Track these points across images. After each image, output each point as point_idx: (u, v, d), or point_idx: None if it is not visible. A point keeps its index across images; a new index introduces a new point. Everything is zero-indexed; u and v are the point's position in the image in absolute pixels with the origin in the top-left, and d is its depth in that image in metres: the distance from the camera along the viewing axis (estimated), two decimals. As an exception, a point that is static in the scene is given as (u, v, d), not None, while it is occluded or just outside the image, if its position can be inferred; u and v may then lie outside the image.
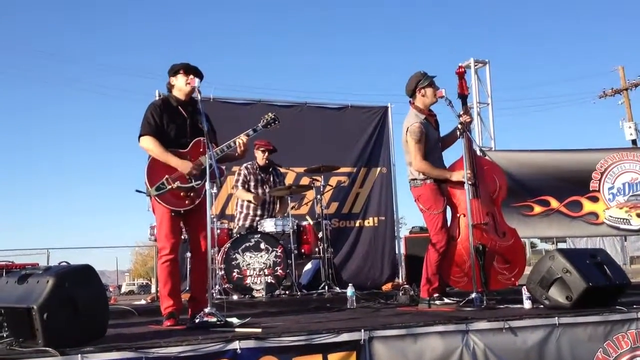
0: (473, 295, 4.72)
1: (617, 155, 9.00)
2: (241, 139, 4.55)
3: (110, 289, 17.63)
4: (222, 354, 3.15)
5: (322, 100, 12.23)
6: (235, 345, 3.18)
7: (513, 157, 9.16)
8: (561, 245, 24.52)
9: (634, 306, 4.19)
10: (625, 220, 8.83)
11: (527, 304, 4.51)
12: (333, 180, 8.29)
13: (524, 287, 4.58)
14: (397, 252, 8.84)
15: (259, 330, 3.53)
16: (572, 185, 8.90)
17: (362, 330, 3.45)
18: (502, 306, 4.70)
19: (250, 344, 3.23)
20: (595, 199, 8.90)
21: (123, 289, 34.41)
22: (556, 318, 3.86)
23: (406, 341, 3.54)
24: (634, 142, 22.00)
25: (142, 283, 40.01)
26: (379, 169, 9.01)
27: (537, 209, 8.88)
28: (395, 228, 9.03)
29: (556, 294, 4.28)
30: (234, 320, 3.97)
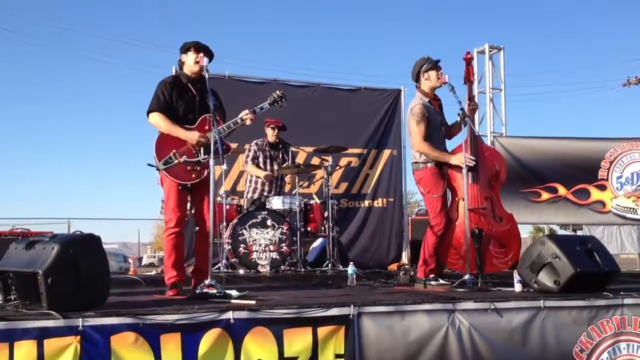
0: (466, 277, 4.87)
1: (627, 145, 9.04)
2: (249, 115, 4.71)
3: (130, 261, 17.95)
4: (215, 323, 3.32)
5: (336, 80, 12.31)
6: (229, 315, 3.34)
7: (523, 144, 9.23)
8: (579, 233, 24.51)
9: (621, 293, 4.30)
10: (632, 210, 8.89)
11: (517, 287, 4.65)
12: (343, 161, 8.43)
13: (515, 270, 4.71)
14: (404, 233, 8.98)
15: (253, 302, 3.71)
16: (581, 173, 8.97)
17: (352, 306, 3.61)
18: (494, 288, 4.85)
19: (243, 314, 3.39)
20: (603, 188, 8.96)
21: (144, 261, 34.69)
22: (542, 301, 3.99)
23: (394, 318, 3.70)
24: (656, 130, 21.78)
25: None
26: (389, 150, 9.12)
27: (545, 195, 8.97)
28: (404, 209, 9.18)
29: (545, 278, 4.40)
30: (233, 292, 4.14)
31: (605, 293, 4.26)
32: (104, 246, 3.55)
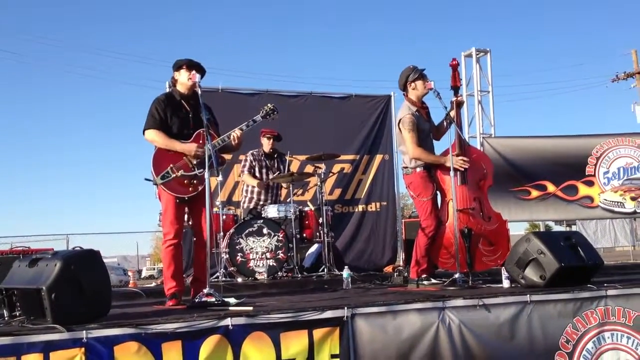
0: (456, 275, 5.03)
1: (613, 141, 9.25)
2: (235, 132, 4.84)
3: (130, 274, 18.02)
4: (215, 330, 3.45)
5: (327, 89, 12.51)
6: (227, 322, 3.47)
7: (512, 144, 9.43)
8: (574, 228, 24.73)
9: (605, 285, 4.46)
10: (619, 204, 9.08)
11: (505, 284, 4.81)
12: (336, 168, 8.60)
13: (503, 267, 4.87)
14: (398, 235, 9.14)
15: (251, 308, 3.86)
16: (569, 170, 9.17)
17: (345, 308, 3.75)
18: (484, 285, 5.01)
19: (241, 320, 3.52)
20: (590, 183, 9.16)
21: (143, 274, 34.63)
22: (528, 296, 4.15)
23: (386, 317, 3.84)
24: (645, 125, 22.00)
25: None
26: (381, 156, 9.29)
27: (534, 193, 9.16)
28: (397, 212, 9.34)
29: (531, 273, 4.56)
30: (231, 300, 4.28)
31: (589, 285, 4.42)
32: (104, 260, 3.69)
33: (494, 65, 10.16)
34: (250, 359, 3.46)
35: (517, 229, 19.12)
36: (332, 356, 3.64)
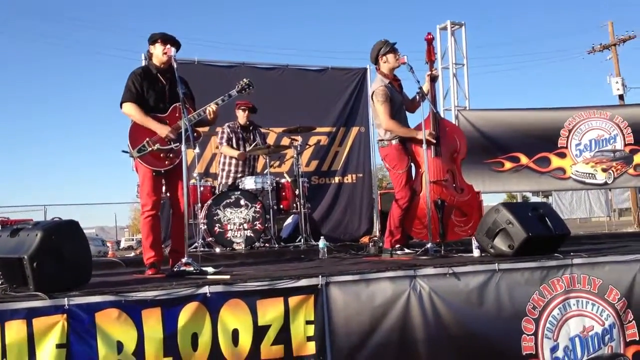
0: (429, 245, 5.18)
1: (585, 114, 9.45)
2: (211, 107, 4.89)
3: (108, 244, 18.02)
4: (193, 297, 3.55)
5: (303, 62, 12.51)
6: (205, 290, 3.58)
7: (486, 116, 9.58)
8: (550, 200, 25.20)
9: (571, 254, 4.64)
10: (590, 175, 9.32)
11: (476, 253, 4.98)
12: (313, 140, 8.67)
13: (474, 237, 5.03)
14: (374, 207, 9.29)
15: (228, 277, 3.97)
16: (541, 142, 9.37)
17: (320, 276, 3.87)
18: (455, 255, 5.17)
19: (218, 288, 3.63)
20: (562, 155, 9.37)
21: (122, 244, 34.63)
22: (496, 264, 4.31)
23: (359, 285, 3.97)
24: (620, 97, 22.29)
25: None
26: (357, 128, 9.39)
27: (508, 165, 9.35)
28: (373, 184, 9.48)
29: (500, 243, 4.73)
30: (209, 269, 4.39)
31: (556, 254, 4.59)
32: (83, 231, 3.76)
33: (469, 37, 10.29)
34: (228, 325, 3.57)
35: (492, 200, 19.42)
36: (307, 322, 3.77)
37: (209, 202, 6.82)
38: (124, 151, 4.90)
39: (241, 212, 6.76)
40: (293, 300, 3.77)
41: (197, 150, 6.86)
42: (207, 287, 3.60)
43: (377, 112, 5.64)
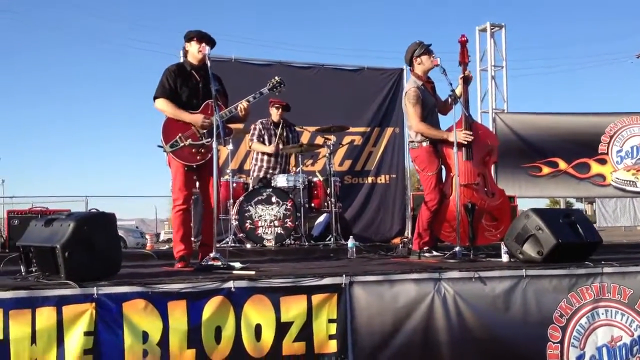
0: (457, 249, 5.15)
1: (627, 120, 9.25)
2: (242, 104, 4.95)
3: (147, 237, 18.27)
4: (218, 291, 3.62)
5: (339, 61, 12.55)
6: (230, 284, 3.64)
7: (524, 119, 9.46)
8: (593, 207, 24.67)
9: (602, 262, 4.56)
10: (631, 182, 9.12)
11: (504, 258, 4.93)
12: (346, 139, 8.69)
13: (502, 242, 4.98)
14: (407, 208, 9.27)
15: (253, 272, 4.02)
16: (581, 147, 9.21)
17: (344, 275, 3.90)
18: (484, 259, 5.13)
19: (243, 283, 3.69)
20: (603, 162, 9.20)
21: (162, 237, 35.01)
22: (524, 270, 4.26)
23: (383, 286, 3.98)
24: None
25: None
26: (392, 129, 9.39)
27: (546, 169, 9.21)
28: (406, 185, 9.46)
29: (529, 249, 4.67)
30: (236, 264, 4.46)
31: (586, 262, 4.51)
32: (122, 222, 3.86)
33: (509, 39, 10.17)
34: (251, 320, 3.63)
35: (529, 205, 19.09)
36: (330, 320, 3.80)
37: (241, 198, 6.91)
38: (159, 146, 5.01)
39: (272, 209, 6.82)
40: (316, 298, 3.80)
41: (230, 146, 7.05)
42: (232, 282, 3.65)
43: (408, 113, 5.64)
